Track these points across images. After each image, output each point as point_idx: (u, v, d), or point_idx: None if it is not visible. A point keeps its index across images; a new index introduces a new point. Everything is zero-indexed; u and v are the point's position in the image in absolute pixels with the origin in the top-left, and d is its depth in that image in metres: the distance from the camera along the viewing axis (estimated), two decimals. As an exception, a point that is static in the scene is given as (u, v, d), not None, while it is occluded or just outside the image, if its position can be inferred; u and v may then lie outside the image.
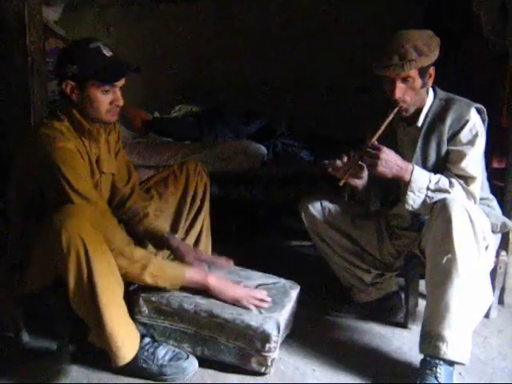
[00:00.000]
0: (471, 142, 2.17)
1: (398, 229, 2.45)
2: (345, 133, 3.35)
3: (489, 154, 2.39)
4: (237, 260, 2.38)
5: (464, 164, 2.16)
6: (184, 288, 2.16)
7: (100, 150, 2.20)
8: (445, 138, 2.21)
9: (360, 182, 2.29)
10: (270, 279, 2.38)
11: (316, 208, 2.49)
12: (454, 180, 2.15)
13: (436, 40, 2.17)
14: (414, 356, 2.15)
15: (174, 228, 2.50)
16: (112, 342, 1.96)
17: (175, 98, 4.39)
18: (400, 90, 2.17)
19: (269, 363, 2.10)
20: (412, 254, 2.34)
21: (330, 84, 4.33)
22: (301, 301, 2.37)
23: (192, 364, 2.11)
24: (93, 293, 1.89)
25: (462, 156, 2.17)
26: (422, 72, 2.17)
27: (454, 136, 2.19)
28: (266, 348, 2.07)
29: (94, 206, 2.00)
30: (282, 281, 2.39)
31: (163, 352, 2.11)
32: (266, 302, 2.19)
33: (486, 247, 2.13)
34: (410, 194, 2.14)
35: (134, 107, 3.74)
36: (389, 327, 2.49)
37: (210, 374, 2.13)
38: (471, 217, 2.00)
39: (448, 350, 1.97)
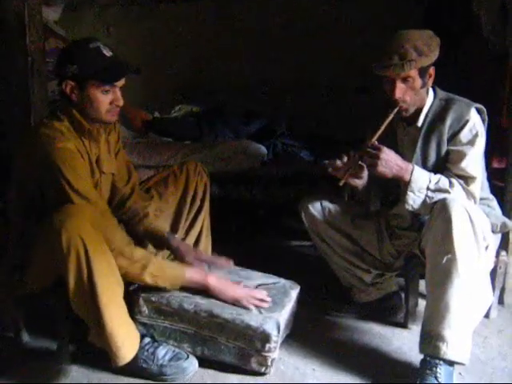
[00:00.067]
0: (471, 142, 2.17)
1: (398, 229, 2.45)
2: (345, 133, 3.35)
3: (489, 154, 2.39)
4: (237, 260, 2.39)
5: (464, 164, 2.16)
6: (184, 288, 2.16)
7: (100, 149, 2.20)
8: (445, 137, 2.21)
9: (360, 182, 2.29)
10: (270, 279, 2.38)
11: (316, 208, 2.49)
12: (454, 180, 2.15)
13: (436, 40, 2.17)
14: (414, 356, 2.15)
15: (174, 228, 2.50)
16: (112, 341, 1.96)
17: (175, 98, 4.39)
18: (400, 90, 2.17)
19: (269, 363, 2.10)
20: (412, 253, 2.34)
21: (329, 84, 4.33)
22: (301, 301, 2.37)
23: (192, 364, 2.11)
24: (93, 293, 1.89)
25: (462, 156, 2.17)
26: (422, 72, 2.17)
27: (453, 136, 2.19)
28: (266, 348, 2.07)
29: (93, 206, 2.00)
30: (282, 281, 2.39)
31: (163, 352, 2.11)
32: (266, 302, 2.19)
33: (486, 247, 2.13)
34: (409, 193, 2.14)
35: (134, 107, 3.74)
36: (389, 327, 2.49)
37: (210, 374, 2.13)
38: (471, 217, 2.00)
39: (448, 350, 1.97)
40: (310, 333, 2.41)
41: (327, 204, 2.50)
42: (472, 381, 2.11)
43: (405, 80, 2.16)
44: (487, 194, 2.32)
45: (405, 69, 2.11)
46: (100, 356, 2.03)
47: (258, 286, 2.30)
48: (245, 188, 3.34)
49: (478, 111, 2.22)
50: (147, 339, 2.13)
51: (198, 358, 2.14)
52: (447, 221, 1.99)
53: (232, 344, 2.10)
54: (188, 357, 2.12)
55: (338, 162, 2.21)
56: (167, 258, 2.39)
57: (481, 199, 2.23)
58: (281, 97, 4.39)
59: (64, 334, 2.14)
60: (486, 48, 2.90)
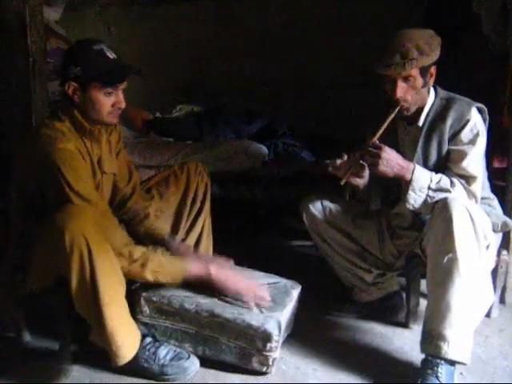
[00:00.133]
0: (472, 142, 2.17)
1: (399, 228, 2.45)
2: (345, 133, 3.35)
3: (490, 154, 2.39)
4: (238, 260, 2.38)
5: (465, 163, 2.16)
6: (186, 282, 2.15)
7: (101, 150, 2.20)
8: (446, 137, 2.21)
9: (361, 181, 2.29)
10: (271, 279, 2.38)
11: (317, 208, 2.49)
12: (455, 179, 2.15)
13: (437, 39, 2.17)
14: (416, 356, 2.15)
15: (175, 228, 2.50)
16: (112, 341, 1.96)
17: (176, 98, 4.38)
18: (401, 89, 2.17)
19: (270, 363, 2.10)
20: (413, 253, 2.34)
21: (330, 84, 4.32)
22: (302, 300, 2.37)
23: (193, 364, 2.11)
24: (95, 292, 1.89)
25: (463, 155, 2.17)
26: (423, 71, 2.17)
27: (454, 135, 2.20)
28: (267, 347, 2.07)
29: (94, 208, 2.00)
30: (283, 280, 2.39)
31: (164, 352, 2.11)
32: (266, 301, 2.19)
33: (487, 246, 2.13)
34: (410, 193, 2.14)
35: (135, 107, 3.73)
36: (390, 327, 2.49)
37: (212, 374, 2.13)
38: (472, 216, 2.00)
39: (449, 350, 1.97)
40: (311, 332, 2.41)
41: (328, 204, 2.50)
42: (473, 380, 2.11)
43: (406, 79, 2.16)
44: (488, 193, 2.32)
45: (406, 68, 2.11)
46: (101, 356, 2.03)
47: (259, 286, 2.30)
48: (246, 188, 3.34)
49: (479, 111, 2.22)
50: (148, 339, 2.14)
51: (199, 357, 2.14)
52: (448, 220, 1.99)
53: (233, 343, 2.11)
54: (189, 356, 2.12)
55: (339, 161, 2.21)
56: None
57: (482, 198, 2.23)
58: (281, 97, 4.38)
59: (65, 334, 2.14)
60: (486, 47, 2.90)
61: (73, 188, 1.96)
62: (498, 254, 2.46)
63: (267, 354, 2.08)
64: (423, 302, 2.33)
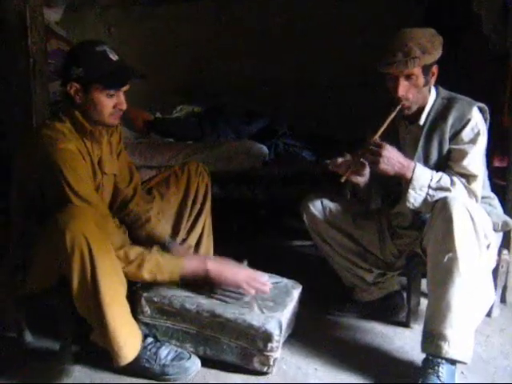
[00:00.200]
0: (473, 141, 2.17)
1: (399, 228, 2.45)
2: (345, 132, 3.35)
3: (490, 153, 2.39)
4: (239, 260, 2.38)
5: (466, 162, 2.17)
6: (184, 280, 2.14)
7: (102, 151, 2.20)
8: (447, 136, 2.21)
9: (362, 180, 2.29)
10: (272, 279, 2.37)
11: (317, 207, 2.49)
12: (455, 178, 2.15)
13: (439, 38, 2.18)
14: (416, 355, 2.16)
15: (176, 229, 2.51)
16: (114, 341, 1.96)
17: (176, 98, 4.38)
18: (403, 87, 2.17)
19: (271, 363, 2.10)
20: (414, 253, 2.34)
21: (330, 84, 4.32)
22: (303, 300, 2.38)
23: (194, 364, 2.12)
24: (96, 292, 1.89)
25: (463, 154, 2.17)
26: (425, 70, 2.18)
27: (455, 135, 2.20)
28: (268, 347, 2.07)
29: (94, 209, 2.00)
30: (284, 280, 2.39)
31: (165, 352, 2.11)
32: (266, 286, 2.19)
33: (488, 246, 2.13)
34: (411, 191, 2.14)
35: (136, 108, 3.73)
36: (391, 326, 2.49)
37: (213, 374, 2.13)
38: (472, 215, 2.01)
39: (450, 349, 1.97)
40: (312, 332, 2.42)
41: (328, 203, 2.50)
42: (474, 380, 2.11)
43: (408, 77, 2.16)
44: (488, 192, 2.32)
45: (408, 66, 2.12)
46: (103, 356, 2.03)
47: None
48: (246, 188, 3.34)
49: (480, 110, 2.23)
50: (150, 339, 2.14)
51: (200, 357, 2.14)
52: (448, 219, 1.99)
53: (234, 344, 2.11)
54: (190, 356, 2.13)
55: (340, 160, 2.22)
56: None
57: (482, 198, 2.23)
58: (281, 97, 4.38)
59: (66, 334, 2.14)
60: (486, 47, 2.90)
61: (73, 188, 1.96)
62: (499, 253, 2.46)
63: (268, 353, 2.08)
64: (424, 302, 2.33)
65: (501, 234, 2.37)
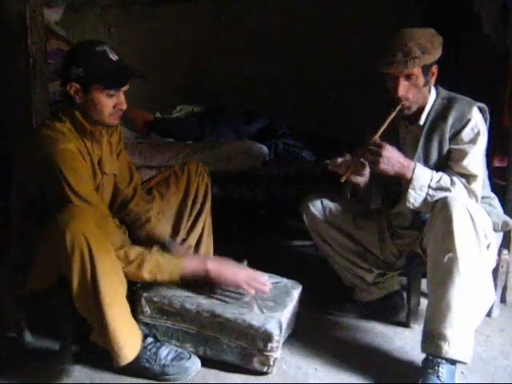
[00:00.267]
0: (473, 141, 2.17)
1: (400, 228, 2.45)
2: (345, 133, 3.35)
3: (490, 153, 2.39)
4: (239, 260, 2.38)
5: (466, 162, 2.17)
6: (184, 280, 2.14)
7: (102, 151, 2.20)
8: (447, 136, 2.21)
9: (362, 180, 2.29)
10: (272, 279, 2.37)
11: (317, 208, 2.49)
12: (455, 178, 2.15)
13: (439, 38, 2.18)
14: (416, 355, 2.16)
15: (176, 229, 2.51)
16: (114, 341, 1.96)
17: (176, 98, 4.38)
18: (403, 87, 2.17)
19: (271, 363, 2.10)
20: (414, 253, 2.34)
21: (330, 84, 4.32)
22: (303, 300, 2.38)
23: (194, 364, 2.12)
24: (96, 292, 1.89)
25: (463, 154, 2.17)
26: (425, 70, 2.18)
27: (455, 135, 2.20)
28: (268, 347, 2.07)
29: (94, 209, 2.00)
30: (284, 280, 2.39)
31: (165, 352, 2.11)
32: (266, 285, 2.19)
33: (488, 246, 2.13)
34: (411, 191, 2.14)
35: (136, 108, 3.73)
36: (391, 326, 2.50)
37: (213, 374, 2.13)
38: (472, 215, 2.01)
39: (450, 349, 1.97)
40: (312, 332, 2.42)
41: (328, 203, 2.50)
42: (474, 380, 2.11)
43: (408, 77, 2.16)
44: (488, 192, 2.32)
45: (408, 66, 2.12)
46: (103, 356, 2.03)
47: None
48: (246, 188, 3.34)
49: (480, 110, 2.23)
50: (150, 339, 2.14)
51: (200, 357, 2.14)
52: (448, 219, 1.99)
53: (234, 344, 2.11)
54: (190, 357, 2.13)
55: (340, 160, 2.22)
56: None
57: (482, 198, 2.23)
58: (281, 97, 4.38)
59: (66, 334, 2.14)
60: (486, 47, 2.90)
61: (73, 188, 1.96)
62: (499, 253, 2.46)
63: (268, 353, 2.08)
64: (424, 302, 2.33)
65: (501, 234, 2.37)
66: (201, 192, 2.52)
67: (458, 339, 1.98)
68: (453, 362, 2.00)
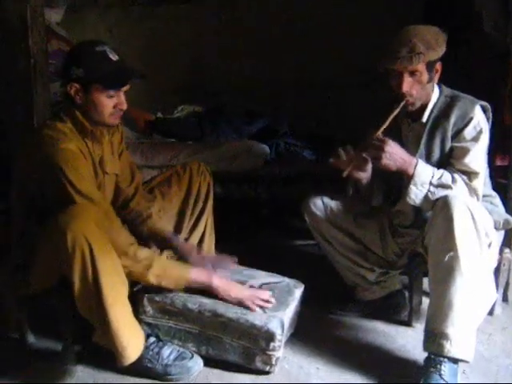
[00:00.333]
0: (475, 139, 2.17)
1: (401, 227, 2.45)
2: (345, 133, 3.35)
3: (492, 152, 2.39)
4: (241, 259, 2.39)
5: (467, 160, 2.17)
6: (188, 288, 2.16)
7: (103, 151, 2.20)
8: (449, 134, 2.21)
9: (364, 175, 2.29)
10: (274, 278, 2.38)
11: (318, 206, 2.49)
12: (456, 176, 2.15)
13: (442, 35, 2.18)
14: (419, 354, 2.16)
15: (178, 228, 2.51)
16: (117, 341, 1.96)
17: (176, 98, 4.38)
18: (407, 83, 2.17)
19: (273, 362, 2.11)
20: (415, 252, 2.34)
21: (330, 84, 4.32)
22: (305, 300, 2.38)
23: (197, 363, 2.12)
24: (98, 293, 1.90)
25: (465, 152, 2.17)
26: (430, 66, 2.18)
27: (458, 133, 2.20)
28: (271, 347, 2.08)
29: (97, 207, 2.00)
30: (286, 280, 2.39)
31: (168, 352, 2.11)
32: (270, 302, 2.19)
33: (489, 244, 2.13)
34: (412, 187, 2.14)
35: (137, 108, 3.73)
36: (393, 325, 2.49)
37: (215, 374, 2.13)
38: (473, 214, 2.01)
39: (452, 348, 1.97)
40: (314, 331, 2.41)
41: (329, 202, 2.50)
42: (476, 378, 2.11)
43: (412, 73, 2.16)
44: (490, 191, 2.32)
45: (413, 61, 2.12)
46: (105, 356, 2.03)
47: (261, 286, 2.30)
48: (248, 187, 3.34)
49: (483, 109, 2.23)
50: (152, 339, 2.14)
51: (202, 357, 2.15)
52: (449, 218, 1.99)
53: (236, 343, 2.11)
54: (193, 356, 2.13)
55: (342, 153, 2.21)
56: (171, 257, 2.39)
57: (484, 196, 2.23)
58: (281, 97, 4.38)
59: (67, 335, 2.14)
60: (486, 45, 2.90)
61: (75, 187, 1.96)
62: (501, 252, 2.46)
63: (270, 353, 2.09)
64: (426, 301, 2.32)
65: (502, 233, 2.37)
66: (203, 191, 2.53)
67: (460, 338, 1.97)
68: (455, 361, 2.00)
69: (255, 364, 2.11)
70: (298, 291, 2.34)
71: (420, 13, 4.03)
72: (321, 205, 2.50)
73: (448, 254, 1.99)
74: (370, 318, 2.54)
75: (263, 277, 2.39)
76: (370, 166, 2.27)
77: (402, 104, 2.20)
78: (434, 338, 2.00)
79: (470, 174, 2.16)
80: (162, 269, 2.08)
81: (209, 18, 4.61)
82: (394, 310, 2.57)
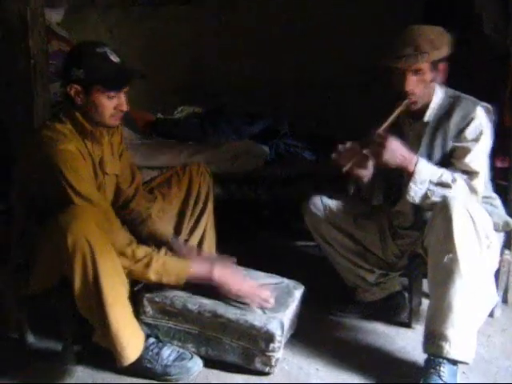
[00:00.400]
0: (476, 139, 2.18)
1: (401, 228, 2.45)
2: (345, 133, 3.33)
3: (493, 153, 2.39)
4: (241, 260, 2.38)
5: (468, 159, 2.17)
6: (189, 283, 2.15)
7: (103, 151, 2.20)
8: (450, 135, 2.22)
9: (365, 173, 2.27)
10: (274, 279, 2.38)
11: (317, 206, 2.49)
12: (456, 175, 2.14)
13: (447, 35, 2.19)
14: (418, 355, 2.16)
15: (178, 229, 2.51)
16: (117, 342, 1.97)
17: (176, 98, 4.38)
18: (411, 82, 2.17)
19: (273, 363, 2.11)
20: (415, 253, 2.34)
21: (330, 84, 4.32)
22: (305, 301, 2.37)
23: (196, 364, 2.12)
24: (98, 293, 1.90)
25: (466, 152, 2.17)
26: (433, 66, 2.18)
27: (459, 133, 2.20)
28: (270, 348, 2.08)
29: (96, 208, 2.00)
30: (286, 281, 2.39)
31: (168, 352, 2.11)
32: (268, 302, 2.19)
33: (489, 246, 2.13)
34: (412, 185, 2.13)
35: (137, 108, 3.73)
36: (393, 327, 2.50)
37: (215, 374, 2.13)
38: (472, 215, 2.00)
39: (451, 350, 1.97)
40: (314, 332, 2.41)
41: (328, 202, 2.50)
42: (476, 380, 2.11)
43: (416, 72, 2.16)
44: (490, 192, 2.32)
45: (418, 60, 2.12)
46: (105, 356, 2.04)
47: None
48: (248, 188, 3.34)
49: (486, 110, 2.23)
50: (152, 339, 2.14)
51: (202, 358, 2.15)
52: (448, 220, 1.99)
53: (236, 344, 2.11)
54: (192, 357, 2.13)
55: (342, 148, 2.20)
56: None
57: (484, 198, 2.23)
58: (281, 97, 4.38)
59: (67, 335, 2.15)
60: (486, 47, 2.90)
61: (74, 188, 1.97)
62: (501, 253, 2.45)
63: (270, 354, 2.09)
64: (426, 302, 2.32)
65: (502, 235, 2.36)
66: (203, 192, 2.52)
67: (460, 339, 1.98)
68: (454, 362, 2.00)
69: (255, 365, 2.11)
70: (298, 292, 2.34)
71: (420, 13, 4.02)
72: (320, 206, 2.49)
73: (447, 256, 1.99)
74: (369, 319, 2.54)
75: (263, 278, 2.38)
76: (371, 164, 2.26)
77: (404, 102, 2.19)
78: (434, 340, 2.00)
79: (470, 174, 2.16)
80: (162, 265, 2.07)
81: (209, 18, 4.60)
82: (393, 312, 2.57)
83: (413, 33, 2.16)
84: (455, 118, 2.20)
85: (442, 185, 2.13)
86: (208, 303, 2.16)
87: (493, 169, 2.38)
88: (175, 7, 4.59)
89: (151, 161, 3.28)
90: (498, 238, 2.27)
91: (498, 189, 2.42)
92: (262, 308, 2.16)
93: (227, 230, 2.60)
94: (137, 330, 2.07)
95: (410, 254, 2.39)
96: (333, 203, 2.50)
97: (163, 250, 2.30)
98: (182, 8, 4.59)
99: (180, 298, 2.17)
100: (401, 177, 2.22)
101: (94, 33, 4.49)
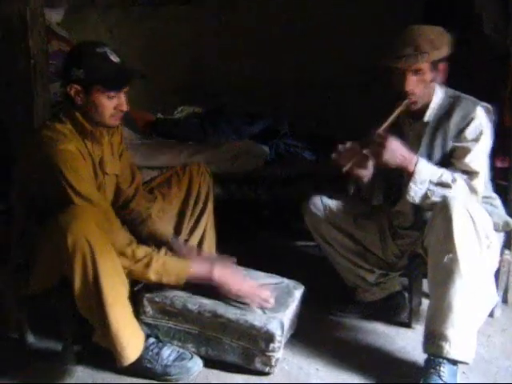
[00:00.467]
0: (476, 139, 2.18)
1: (400, 228, 2.45)
2: (345, 133, 3.33)
3: (493, 153, 2.39)
4: (241, 260, 2.38)
5: (468, 159, 2.17)
6: (189, 283, 2.14)
7: (103, 151, 2.20)
8: (450, 135, 2.22)
9: (365, 173, 2.27)
10: (274, 279, 2.38)
11: (317, 206, 2.49)
12: (456, 175, 2.14)
13: (447, 36, 2.19)
14: (418, 355, 2.16)
15: (178, 229, 2.51)
16: (117, 342, 1.97)
17: (176, 98, 4.38)
18: (411, 82, 2.17)
19: (273, 363, 2.11)
20: (415, 253, 2.34)
21: (330, 84, 4.32)
22: (305, 301, 2.37)
23: (196, 364, 2.12)
24: (98, 293, 1.90)
25: (466, 151, 2.17)
26: (433, 66, 2.18)
27: (459, 133, 2.20)
28: (270, 348, 2.08)
29: (96, 208, 2.01)
30: (286, 281, 2.39)
31: (168, 352, 2.11)
32: (268, 302, 2.19)
33: (489, 246, 2.13)
34: (412, 185, 2.13)
35: (137, 108, 3.72)
36: (393, 327, 2.49)
37: (215, 374, 2.13)
38: (472, 215, 2.00)
39: (451, 350, 1.97)
40: (314, 333, 2.41)
41: (328, 201, 2.50)
42: (476, 380, 2.11)
43: (416, 72, 2.16)
44: (490, 192, 2.32)
45: (418, 60, 2.12)
46: (105, 356, 2.04)
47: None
48: (248, 188, 3.34)
49: (486, 110, 2.22)
50: (152, 339, 2.14)
51: (202, 358, 2.15)
52: (448, 220, 1.99)
53: (236, 344, 2.11)
54: (192, 357, 2.13)
55: (341, 148, 2.20)
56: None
57: (484, 198, 2.23)
58: (281, 97, 4.38)
59: (67, 335, 2.15)
60: (486, 47, 2.90)
61: (74, 188, 1.97)
62: (501, 253, 2.45)
63: (270, 354, 2.09)
64: (426, 302, 2.32)
65: (502, 235, 2.36)
66: (203, 192, 2.52)
67: (460, 339, 1.97)
68: (454, 362, 2.00)
69: (255, 365, 2.11)
70: (298, 292, 2.34)
71: (420, 13, 4.02)
72: (320, 206, 2.49)
73: (447, 256, 1.99)
74: (369, 319, 2.54)
75: (263, 278, 2.38)
76: (371, 164, 2.26)
77: (404, 102, 2.19)
78: (434, 340, 2.00)
79: (470, 174, 2.16)
80: (162, 265, 2.07)
81: (209, 18, 4.61)
82: (394, 312, 2.57)
83: (413, 33, 2.16)
84: (455, 118, 2.20)
85: (442, 185, 2.13)
86: (208, 303, 2.16)
87: (493, 169, 2.38)
88: (175, 7, 4.59)
89: (151, 161, 3.28)
90: (498, 238, 2.27)
91: (498, 189, 2.42)
92: (262, 308, 2.16)
93: (227, 229, 2.60)
94: (137, 330, 2.07)
95: (410, 254, 2.39)
96: (333, 203, 2.50)
97: (163, 250, 2.31)
98: (182, 8, 4.59)
99: (180, 297, 2.17)
100: (401, 177, 2.22)
101: (93, 33, 4.49)
